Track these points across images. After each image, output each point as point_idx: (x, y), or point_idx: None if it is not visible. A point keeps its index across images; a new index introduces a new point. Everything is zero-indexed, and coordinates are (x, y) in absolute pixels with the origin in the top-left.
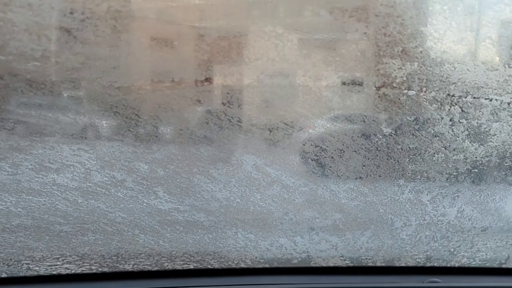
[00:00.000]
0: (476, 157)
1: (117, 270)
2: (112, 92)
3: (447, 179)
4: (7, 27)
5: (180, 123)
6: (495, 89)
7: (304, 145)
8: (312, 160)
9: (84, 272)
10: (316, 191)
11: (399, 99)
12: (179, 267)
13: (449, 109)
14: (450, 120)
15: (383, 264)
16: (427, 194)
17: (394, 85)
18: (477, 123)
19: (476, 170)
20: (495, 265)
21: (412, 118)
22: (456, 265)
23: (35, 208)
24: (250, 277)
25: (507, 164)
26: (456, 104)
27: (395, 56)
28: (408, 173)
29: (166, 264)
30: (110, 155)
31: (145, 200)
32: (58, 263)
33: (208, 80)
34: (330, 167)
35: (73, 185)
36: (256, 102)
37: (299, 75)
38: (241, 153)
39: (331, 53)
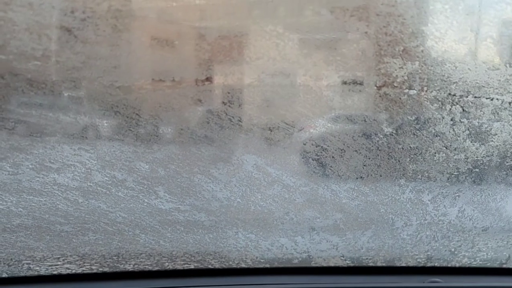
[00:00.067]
0: (477, 157)
1: (117, 270)
2: (112, 92)
3: (448, 179)
4: (8, 26)
5: (181, 123)
6: (496, 89)
7: (305, 144)
8: (313, 160)
9: (85, 272)
10: (317, 191)
11: (400, 98)
12: (179, 267)
13: (450, 109)
14: (451, 119)
15: (384, 264)
16: (428, 193)
17: (395, 84)
18: (478, 122)
19: (477, 170)
20: (496, 265)
21: (413, 118)
22: (457, 265)
23: (36, 208)
24: (250, 277)
25: (508, 164)
26: (457, 103)
27: (396, 55)
28: (409, 173)
29: (167, 264)
30: (111, 155)
31: (146, 200)
32: (59, 263)
33: (209, 79)
34: (331, 166)
35: (73, 185)
36: (256, 102)
37: (300, 75)
38: (242, 153)
39: (332, 53)
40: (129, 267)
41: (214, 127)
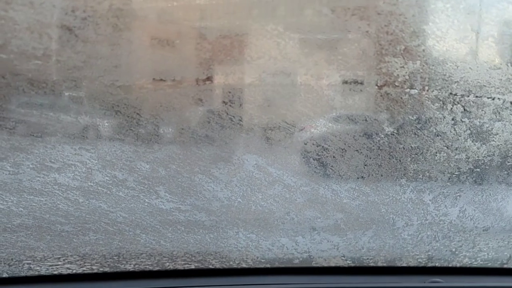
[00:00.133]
0: (478, 157)
1: (118, 270)
2: (113, 91)
3: (449, 179)
4: (9, 26)
5: (182, 122)
6: (498, 88)
7: (305, 144)
8: (313, 160)
9: (85, 272)
10: (317, 190)
11: (401, 98)
12: (180, 267)
13: (451, 108)
14: (452, 119)
15: (385, 264)
16: (429, 193)
17: (396, 84)
18: (479, 122)
19: (478, 170)
20: (497, 265)
21: (414, 117)
22: (458, 265)
23: (36, 208)
24: (251, 277)
25: (509, 164)
26: (458, 103)
27: (397, 54)
28: (410, 173)
29: (168, 264)
30: (112, 155)
31: (147, 200)
32: (59, 263)
33: (210, 79)
34: (331, 166)
35: (74, 185)
36: (257, 101)
37: (300, 74)
38: (243, 153)
39: (333, 52)
40: (129, 267)
41: (215, 127)
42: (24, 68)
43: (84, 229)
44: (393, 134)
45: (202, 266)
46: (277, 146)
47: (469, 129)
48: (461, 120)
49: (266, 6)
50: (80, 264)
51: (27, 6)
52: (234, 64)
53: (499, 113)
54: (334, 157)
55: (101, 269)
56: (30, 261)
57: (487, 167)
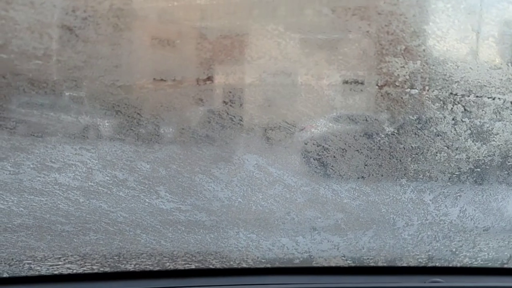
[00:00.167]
0: (478, 157)
1: (118, 270)
2: (114, 91)
3: (450, 179)
4: (9, 25)
5: (182, 122)
6: (498, 88)
7: (306, 144)
8: (314, 160)
9: (86, 272)
10: (318, 190)
11: (401, 98)
12: (180, 267)
13: (452, 108)
14: (453, 119)
15: (385, 264)
16: (429, 193)
17: (397, 83)
18: (479, 122)
19: (478, 170)
20: (497, 265)
21: (415, 117)
22: (458, 265)
23: (37, 208)
24: (251, 277)
25: (509, 164)
26: (458, 103)
27: (397, 54)
28: (410, 173)
29: (168, 264)
30: (112, 155)
31: (147, 200)
32: (60, 263)
33: (210, 79)
34: (332, 166)
35: (74, 185)
36: (258, 101)
37: (301, 74)
38: (243, 153)
39: (333, 52)
40: (130, 267)
41: (215, 127)
42: (25, 68)
43: (84, 229)
44: (394, 134)
45: (203, 266)
46: (278, 146)
47: (470, 129)
48: (461, 120)
49: (266, 6)
50: (81, 264)
51: (27, 6)
52: (235, 64)
53: (499, 113)
54: (334, 157)
55: (101, 269)
56: (30, 261)
57: (487, 167)
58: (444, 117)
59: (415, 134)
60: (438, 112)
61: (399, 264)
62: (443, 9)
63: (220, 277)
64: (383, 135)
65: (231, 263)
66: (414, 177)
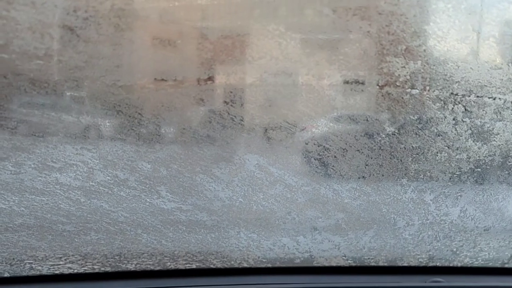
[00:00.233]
0: (479, 156)
1: (119, 269)
2: (115, 91)
3: (450, 179)
4: (11, 26)
5: (183, 122)
6: (499, 88)
7: (307, 144)
8: (315, 160)
9: (87, 271)
10: (319, 190)
11: (402, 98)
12: (181, 267)
13: (452, 108)
14: (453, 119)
15: (386, 264)
16: (430, 193)
17: (397, 84)
18: (480, 122)
19: (479, 170)
20: (498, 264)
21: (415, 117)
22: (459, 264)
23: (38, 208)
24: (252, 277)
25: (510, 163)
26: (459, 103)
27: (398, 54)
28: (411, 173)
29: (169, 263)
30: (113, 154)
31: (148, 200)
32: (61, 262)
33: (211, 79)
34: (333, 166)
35: (76, 184)
36: (259, 101)
37: (302, 74)
38: (244, 152)
39: (334, 52)
40: (131, 267)
41: (216, 127)
42: (26, 68)
43: (85, 228)
44: (394, 134)
45: (204, 265)
46: (279, 146)
47: (470, 129)
48: (462, 120)
49: (267, 6)
50: (82, 264)
51: (28, 6)
52: (236, 64)
53: (500, 113)
54: (335, 157)
55: (102, 269)
56: (31, 261)
57: (488, 167)
58: (445, 117)
59: (416, 134)
60: (439, 112)
61: (400, 263)
62: (444, 9)
63: (221, 277)
64: (384, 135)
65: (232, 262)
66: (414, 177)
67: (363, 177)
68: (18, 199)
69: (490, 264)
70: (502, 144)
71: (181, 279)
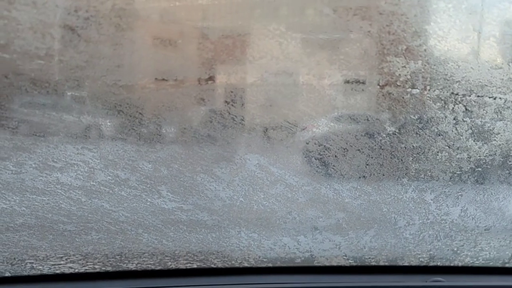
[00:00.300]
0: (479, 156)
1: (120, 269)
2: (116, 91)
3: (451, 178)
4: (12, 25)
5: (184, 122)
6: (499, 88)
7: (307, 144)
8: (315, 159)
9: (88, 271)
10: (319, 190)
11: (403, 97)
12: (182, 266)
13: (453, 108)
14: (454, 118)
15: (386, 263)
16: (430, 193)
17: (398, 83)
18: (481, 121)
19: (479, 169)
20: (499, 264)
21: (416, 117)
22: (460, 264)
23: (39, 207)
24: (253, 276)
25: (510, 163)
26: (460, 102)
27: (399, 54)
28: (412, 172)
29: (170, 263)
30: (114, 154)
31: (149, 199)
32: (62, 262)
33: (212, 79)
34: (333, 166)
35: (76, 184)
36: (259, 101)
37: (302, 74)
38: (245, 152)
39: (334, 52)
40: (132, 266)
41: (217, 127)
42: (27, 68)
43: (86, 228)
44: (395, 134)
45: (204, 265)
46: (279, 146)
47: (471, 128)
48: (462, 119)
49: (268, 6)
50: (83, 264)
51: (29, 6)
52: (236, 64)
53: (500, 112)
54: (336, 156)
55: (103, 269)
56: (32, 260)
57: (488, 167)
58: (445, 117)
59: (417, 133)
60: (439, 112)
61: (400, 263)
62: (444, 9)
63: (222, 277)
64: (384, 135)
65: (233, 262)
66: (415, 177)
67: (364, 176)
68: (19, 198)
69: (491, 264)
70: (502, 144)
71: (182, 278)
